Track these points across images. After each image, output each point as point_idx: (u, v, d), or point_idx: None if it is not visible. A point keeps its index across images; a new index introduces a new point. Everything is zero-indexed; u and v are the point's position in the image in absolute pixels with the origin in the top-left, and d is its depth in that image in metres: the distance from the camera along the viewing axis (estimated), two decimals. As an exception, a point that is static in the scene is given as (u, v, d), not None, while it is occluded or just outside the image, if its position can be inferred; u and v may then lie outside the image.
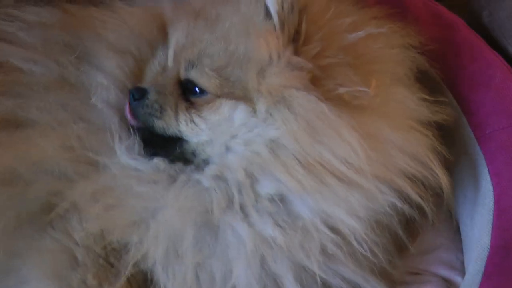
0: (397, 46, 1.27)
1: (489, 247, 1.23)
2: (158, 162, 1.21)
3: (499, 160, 1.31)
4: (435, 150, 1.23)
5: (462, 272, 1.34)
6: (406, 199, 1.19)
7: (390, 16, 1.31)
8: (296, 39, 1.14)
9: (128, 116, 1.24)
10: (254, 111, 1.16)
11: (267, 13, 1.13)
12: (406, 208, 1.19)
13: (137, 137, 1.23)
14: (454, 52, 1.42)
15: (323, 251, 1.16)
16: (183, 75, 1.22)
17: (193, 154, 1.22)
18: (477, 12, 1.72)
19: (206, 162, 1.21)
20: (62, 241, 1.18)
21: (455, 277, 1.34)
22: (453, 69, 1.38)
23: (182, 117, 1.21)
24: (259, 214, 1.16)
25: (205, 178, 1.19)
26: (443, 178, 1.22)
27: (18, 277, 1.18)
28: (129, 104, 1.24)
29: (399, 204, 1.18)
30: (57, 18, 1.37)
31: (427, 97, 1.26)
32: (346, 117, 1.11)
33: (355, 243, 1.16)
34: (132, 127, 1.24)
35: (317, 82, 1.13)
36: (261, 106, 1.15)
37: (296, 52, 1.14)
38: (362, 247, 1.17)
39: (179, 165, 1.21)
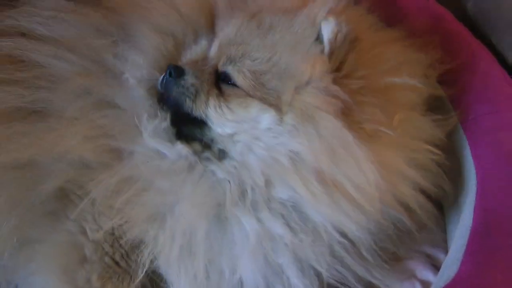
0: (419, 75, 1.33)
1: (471, 226, 1.27)
2: (181, 147, 1.24)
3: (482, 144, 1.37)
4: (445, 166, 1.31)
5: (445, 249, 1.38)
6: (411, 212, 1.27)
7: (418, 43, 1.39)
8: (338, 70, 1.19)
9: (160, 88, 1.28)
10: (281, 121, 1.20)
11: (319, 38, 1.19)
12: (412, 223, 1.27)
13: (164, 119, 1.26)
14: (442, 42, 1.46)
15: (332, 253, 1.21)
16: (221, 67, 1.27)
17: (212, 141, 1.26)
18: (463, 4, 1.75)
19: (223, 153, 1.25)
20: (74, 235, 1.22)
21: (438, 254, 1.39)
22: (441, 59, 1.42)
23: (212, 102, 1.25)
24: (270, 212, 1.20)
25: (221, 170, 1.22)
26: (450, 192, 1.34)
27: (28, 268, 1.23)
28: (163, 78, 1.27)
29: (406, 221, 1.25)
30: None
31: (438, 117, 1.34)
32: (366, 149, 1.17)
33: (363, 250, 1.23)
34: (161, 107, 1.27)
35: (346, 113, 1.18)
36: (289, 119, 1.20)
37: (336, 82, 1.18)
38: (370, 254, 1.24)
39: (198, 152, 1.24)
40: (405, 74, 1.27)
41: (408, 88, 1.29)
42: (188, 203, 1.20)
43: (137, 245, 1.22)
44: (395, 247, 1.30)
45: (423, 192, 1.29)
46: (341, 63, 1.20)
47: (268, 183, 1.20)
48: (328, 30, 1.17)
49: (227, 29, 1.31)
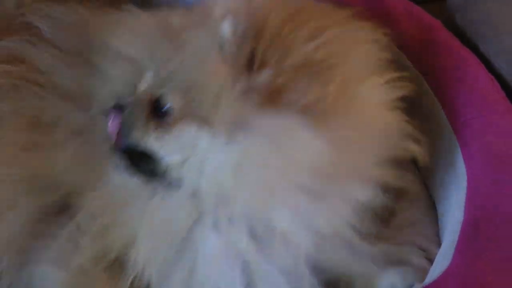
0: (364, 41, 1.24)
1: (461, 224, 1.31)
2: (139, 179, 1.23)
3: (472, 147, 1.41)
4: (404, 125, 1.25)
5: (438, 243, 1.42)
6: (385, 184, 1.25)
7: (363, 16, 1.28)
8: (251, 64, 1.13)
9: (109, 129, 1.25)
10: (215, 136, 1.12)
11: (222, 44, 1.13)
12: (388, 194, 1.26)
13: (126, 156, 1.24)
14: (433, 50, 1.53)
15: (310, 255, 1.21)
16: (155, 94, 1.19)
17: (165, 172, 1.21)
18: (452, 14, 1.85)
19: (179, 182, 1.21)
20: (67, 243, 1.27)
21: (431, 247, 1.41)
22: (432, 66, 1.49)
23: (152, 135, 1.20)
24: (232, 229, 1.19)
25: (178, 198, 1.21)
26: (419, 151, 1.27)
27: (25, 258, 1.29)
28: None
29: (381, 193, 1.24)
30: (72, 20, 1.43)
31: (394, 74, 1.25)
32: (308, 126, 1.09)
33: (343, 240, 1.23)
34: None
35: (276, 99, 1.11)
36: (221, 132, 1.12)
37: (251, 77, 1.12)
38: (353, 240, 1.23)
39: (155, 183, 1.23)
40: (331, 29, 1.18)
41: (346, 52, 1.19)
42: (152, 231, 1.22)
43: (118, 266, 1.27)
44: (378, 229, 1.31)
45: (393, 160, 1.24)
46: (251, 58, 1.12)
47: (223, 201, 1.18)
48: (226, 31, 1.11)
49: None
